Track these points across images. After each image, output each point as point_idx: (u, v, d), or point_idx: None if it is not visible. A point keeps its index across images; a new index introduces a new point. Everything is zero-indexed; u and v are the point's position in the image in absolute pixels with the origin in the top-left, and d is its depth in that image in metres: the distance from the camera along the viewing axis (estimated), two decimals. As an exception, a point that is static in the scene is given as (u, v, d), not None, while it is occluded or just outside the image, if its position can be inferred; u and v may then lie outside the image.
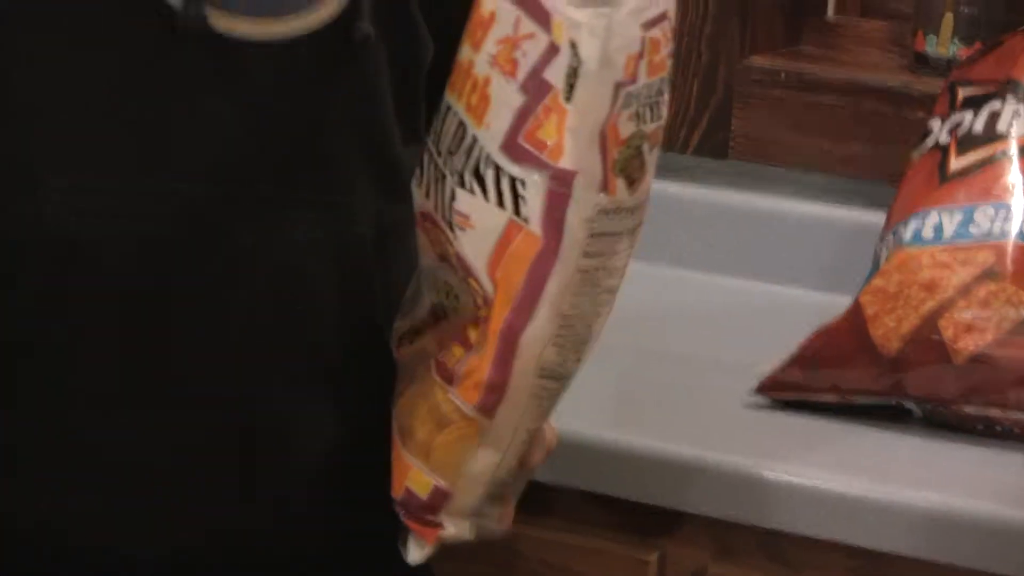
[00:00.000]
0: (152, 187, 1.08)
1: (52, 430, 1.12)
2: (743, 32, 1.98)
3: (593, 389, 1.44)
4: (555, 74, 1.07)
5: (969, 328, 1.45)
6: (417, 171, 1.16)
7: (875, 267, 1.55)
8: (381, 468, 1.22)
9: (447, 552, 1.39)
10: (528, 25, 1.08)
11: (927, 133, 1.60)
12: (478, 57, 1.10)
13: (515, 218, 1.10)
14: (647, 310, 1.72)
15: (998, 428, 1.43)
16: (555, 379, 1.13)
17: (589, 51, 1.07)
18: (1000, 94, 1.57)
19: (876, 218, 1.63)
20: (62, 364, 1.10)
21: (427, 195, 1.15)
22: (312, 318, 1.16)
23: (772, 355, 1.50)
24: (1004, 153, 1.53)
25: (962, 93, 1.61)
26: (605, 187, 1.09)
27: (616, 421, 1.46)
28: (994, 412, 1.43)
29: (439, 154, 1.14)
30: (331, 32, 1.12)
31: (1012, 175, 1.52)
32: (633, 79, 1.08)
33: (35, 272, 1.08)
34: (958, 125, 1.58)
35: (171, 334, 1.11)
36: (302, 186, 1.15)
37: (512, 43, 1.08)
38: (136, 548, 1.15)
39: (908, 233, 1.53)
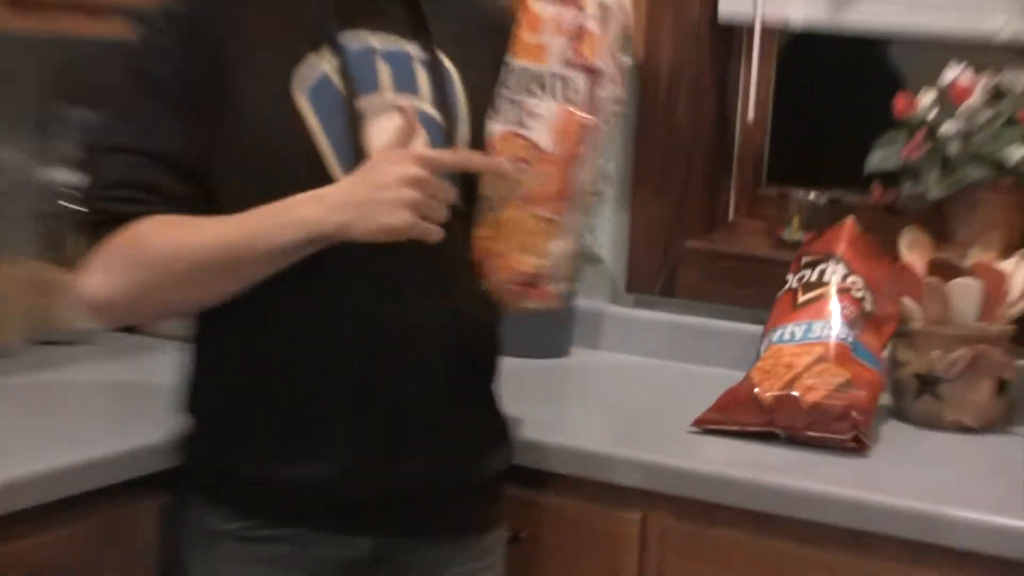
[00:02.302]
0: None
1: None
2: (683, 228, 2.36)
3: (600, 427, 1.92)
4: (588, 20, 1.44)
5: (811, 388, 1.83)
6: (492, 114, 1.51)
7: (758, 356, 1.92)
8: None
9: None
10: (566, 14, 1.46)
11: (786, 282, 1.99)
12: (539, 37, 1.48)
13: (566, 104, 1.45)
14: (631, 382, 2.15)
15: (829, 443, 1.82)
16: (588, 194, 1.49)
17: (623, 5, 1.47)
18: (824, 260, 1.96)
19: (759, 329, 2.01)
20: None
21: (505, 120, 1.50)
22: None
23: (703, 405, 1.88)
24: (827, 293, 1.93)
25: (805, 259, 1.99)
26: (616, 83, 1.47)
27: (615, 442, 1.81)
28: (826, 434, 1.81)
29: (512, 91, 1.49)
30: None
31: (832, 305, 1.92)
32: (629, 26, 1.50)
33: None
34: (803, 277, 1.96)
35: None
36: None
37: (559, 21, 1.48)
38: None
39: (776, 336, 1.92)
